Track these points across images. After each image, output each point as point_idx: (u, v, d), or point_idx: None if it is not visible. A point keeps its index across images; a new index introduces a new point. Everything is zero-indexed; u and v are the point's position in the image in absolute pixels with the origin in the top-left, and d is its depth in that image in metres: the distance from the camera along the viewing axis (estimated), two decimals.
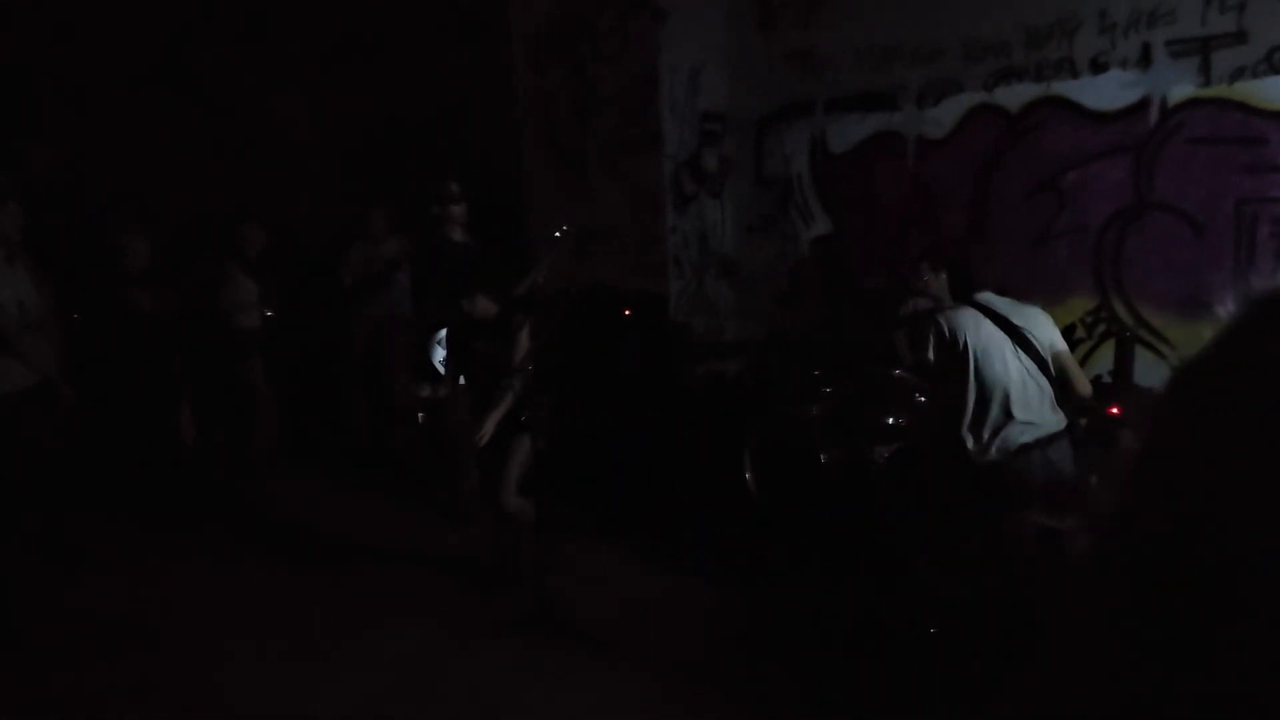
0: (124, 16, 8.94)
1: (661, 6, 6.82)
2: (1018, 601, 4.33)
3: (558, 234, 5.64)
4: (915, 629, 4.45)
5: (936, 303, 5.52)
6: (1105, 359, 5.53)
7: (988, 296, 4.50)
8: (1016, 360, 4.34)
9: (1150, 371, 5.37)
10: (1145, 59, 5.31)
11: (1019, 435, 4.31)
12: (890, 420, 5.39)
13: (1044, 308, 4.64)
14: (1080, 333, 5.70)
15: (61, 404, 5.32)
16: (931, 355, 4.46)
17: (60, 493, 5.42)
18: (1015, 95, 5.81)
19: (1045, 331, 4.44)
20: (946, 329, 4.41)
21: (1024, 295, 4.77)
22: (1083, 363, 5.67)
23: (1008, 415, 4.31)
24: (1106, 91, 5.46)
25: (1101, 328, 5.64)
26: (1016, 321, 4.38)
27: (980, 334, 4.35)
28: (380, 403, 7.30)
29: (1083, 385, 4.49)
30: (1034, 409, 4.34)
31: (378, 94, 8.77)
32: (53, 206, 7.24)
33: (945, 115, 6.13)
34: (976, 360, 4.33)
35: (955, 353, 4.35)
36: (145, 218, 6.84)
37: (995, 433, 4.33)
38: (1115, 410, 4.89)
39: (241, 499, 6.56)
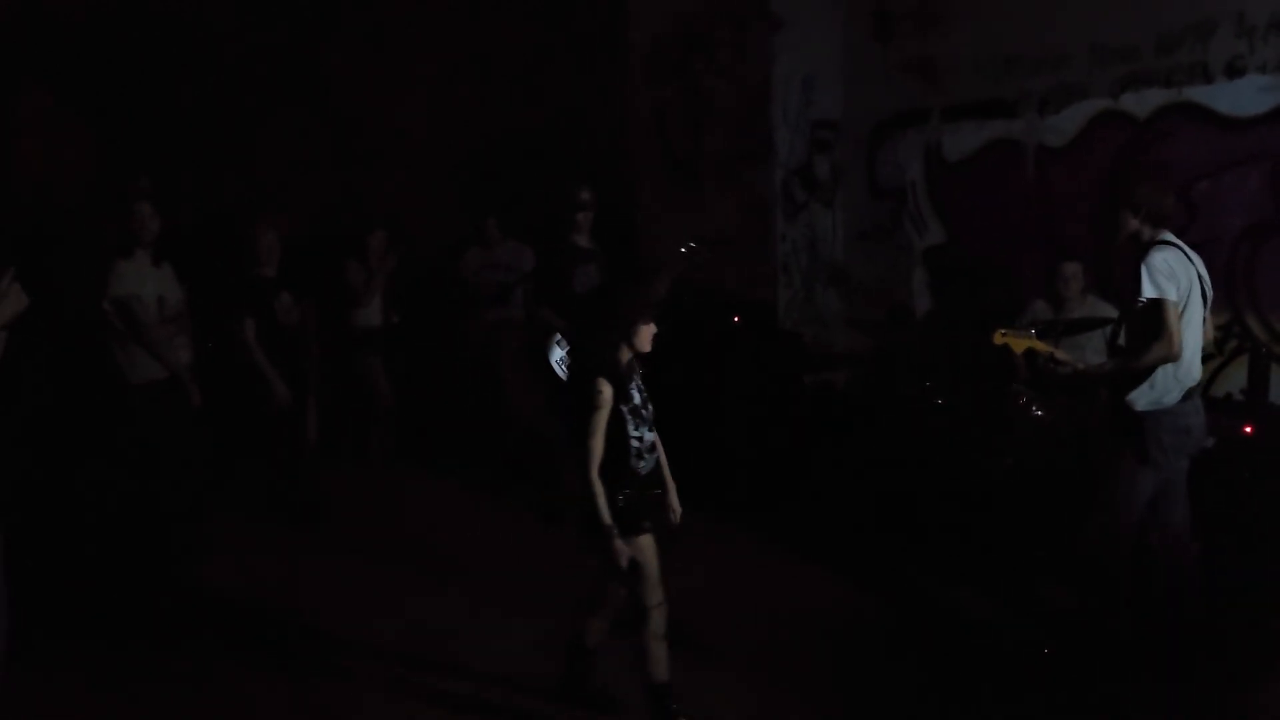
0: (257, 28, 9.39)
1: (778, 16, 6.83)
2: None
3: (684, 249, 5.67)
4: (1031, 647, 4.33)
5: (1060, 307, 5.38)
6: (1238, 376, 5.29)
7: (1170, 238, 4.10)
8: (1201, 307, 4.07)
9: None
10: None
11: (1188, 384, 4.05)
12: (1006, 435, 5.26)
13: None
14: (1211, 348, 5.46)
15: (189, 399, 5.57)
16: (1154, 293, 3.92)
17: (194, 481, 5.69)
18: (1143, 101, 5.61)
19: (1209, 282, 4.14)
20: (1172, 265, 3.94)
21: None
22: (1213, 380, 5.46)
23: (1190, 368, 4.03)
24: (1243, 97, 5.24)
25: (1234, 344, 5.40)
26: (1198, 267, 4.08)
27: (1191, 276, 4.00)
28: (492, 405, 7.43)
29: (1210, 334, 4.37)
30: (1198, 360, 4.11)
31: (495, 104, 8.98)
32: (189, 210, 7.63)
33: (1067, 123, 5.96)
34: (1189, 304, 3.98)
35: (1176, 294, 3.91)
36: (276, 221, 7.10)
37: (1170, 382, 4.01)
38: (1249, 430, 4.68)
39: (359, 496, 6.77)
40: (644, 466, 3.70)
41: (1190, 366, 4.04)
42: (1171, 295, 3.90)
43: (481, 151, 9.05)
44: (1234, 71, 5.27)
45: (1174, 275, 3.92)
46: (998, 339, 4.36)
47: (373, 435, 7.42)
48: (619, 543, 3.54)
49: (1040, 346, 4.29)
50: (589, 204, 6.04)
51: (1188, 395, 4.05)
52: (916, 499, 5.51)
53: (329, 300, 6.95)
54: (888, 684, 4.23)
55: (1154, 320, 3.94)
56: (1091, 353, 5.14)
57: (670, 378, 6.33)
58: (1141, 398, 4.03)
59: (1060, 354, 4.25)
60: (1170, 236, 4.06)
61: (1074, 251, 5.54)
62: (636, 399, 3.69)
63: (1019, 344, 4.33)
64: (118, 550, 5.60)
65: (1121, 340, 4.44)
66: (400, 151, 9.49)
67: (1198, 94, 5.40)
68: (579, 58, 8.44)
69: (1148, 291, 3.93)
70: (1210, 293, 4.13)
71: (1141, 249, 4.03)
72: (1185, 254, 4.02)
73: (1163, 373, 3.98)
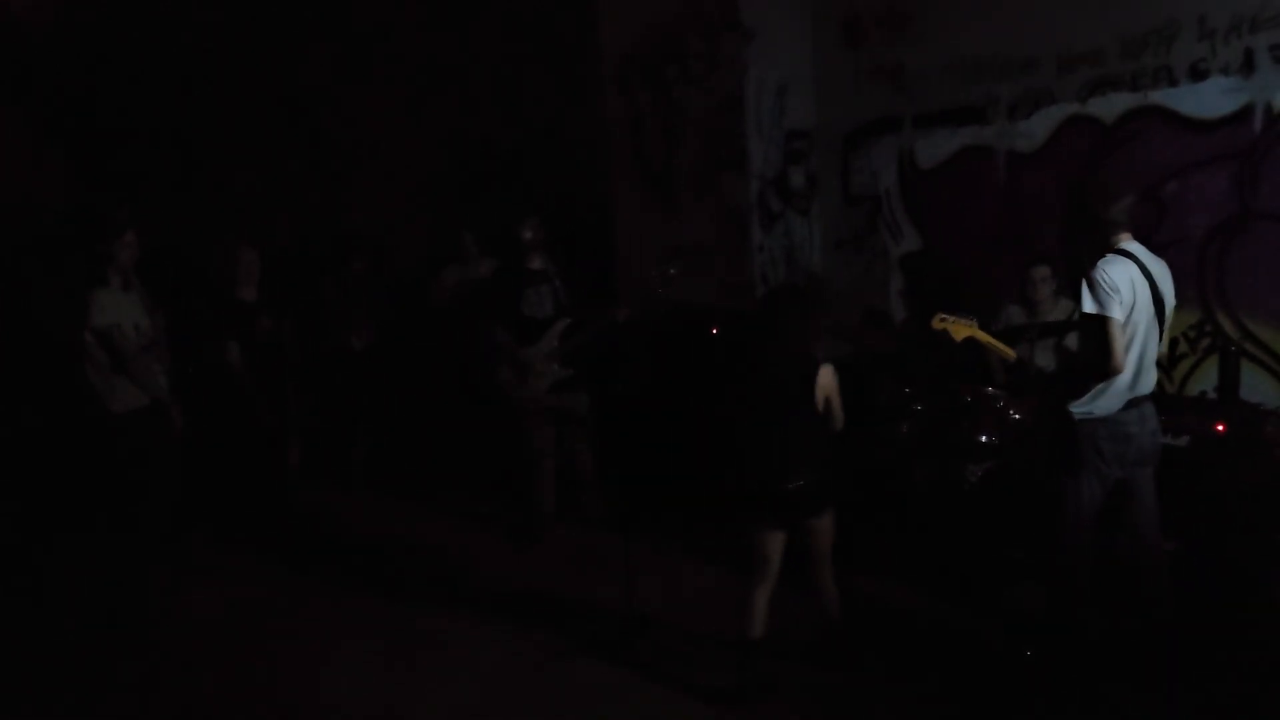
0: (231, 47, 9.38)
1: (749, 26, 6.87)
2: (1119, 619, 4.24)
3: (659, 275, 5.71)
4: (1009, 651, 4.36)
5: (1033, 310, 5.43)
6: (1209, 374, 5.35)
7: (1132, 245, 4.07)
8: (1153, 320, 4.05)
9: (1258, 387, 5.17)
10: (1248, 65, 5.15)
11: (1128, 393, 4.05)
12: (983, 439, 5.31)
13: None
14: (1183, 347, 5.53)
15: (171, 425, 5.56)
16: (1096, 309, 3.91)
17: (177, 505, 5.68)
18: (1110, 105, 5.68)
19: (1170, 289, 4.13)
20: (1115, 280, 3.91)
21: None
22: (1187, 378, 5.53)
23: (1135, 378, 4.03)
24: (1207, 99, 5.30)
25: (1206, 342, 5.46)
26: (1156, 276, 4.06)
27: (1139, 288, 3.98)
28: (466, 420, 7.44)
29: (1163, 345, 4.24)
30: (1149, 370, 4.09)
31: (470, 118, 9.00)
32: (168, 234, 7.60)
33: (1037, 127, 6.01)
34: (1132, 319, 3.97)
35: (1120, 310, 3.91)
36: (255, 242, 7.09)
37: (1107, 391, 4.02)
38: (1221, 428, 4.73)
39: (342, 515, 6.77)
40: None
41: (1138, 377, 4.05)
42: (1113, 312, 3.89)
43: (458, 166, 9.08)
44: (1198, 74, 5.34)
45: (1116, 290, 3.91)
46: (936, 324, 4.34)
47: (354, 454, 7.42)
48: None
49: (982, 336, 4.29)
50: (531, 243, 6.08)
51: (1131, 404, 4.05)
52: (896, 504, 5.54)
53: (308, 320, 6.95)
54: (870, 691, 4.26)
55: (1097, 335, 3.95)
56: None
57: (651, 391, 6.42)
58: (1078, 405, 4.06)
59: (1009, 353, 4.27)
60: (1129, 245, 4.06)
61: (1046, 255, 5.60)
62: None
63: (959, 330, 4.31)
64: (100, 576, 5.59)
65: (1070, 343, 4.45)
66: (376, 168, 9.50)
67: (1163, 97, 5.47)
68: (553, 71, 8.48)
69: (1086, 307, 3.94)
70: (1171, 302, 4.13)
71: (1096, 258, 4.04)
72: (1140, 265, 4.03)
73: (1105, 382, 4.00)
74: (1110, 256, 4.01)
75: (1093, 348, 3.99)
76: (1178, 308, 5.43)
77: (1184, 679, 4.03)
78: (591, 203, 7.91)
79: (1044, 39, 5.91)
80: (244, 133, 9.58)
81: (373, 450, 7.43)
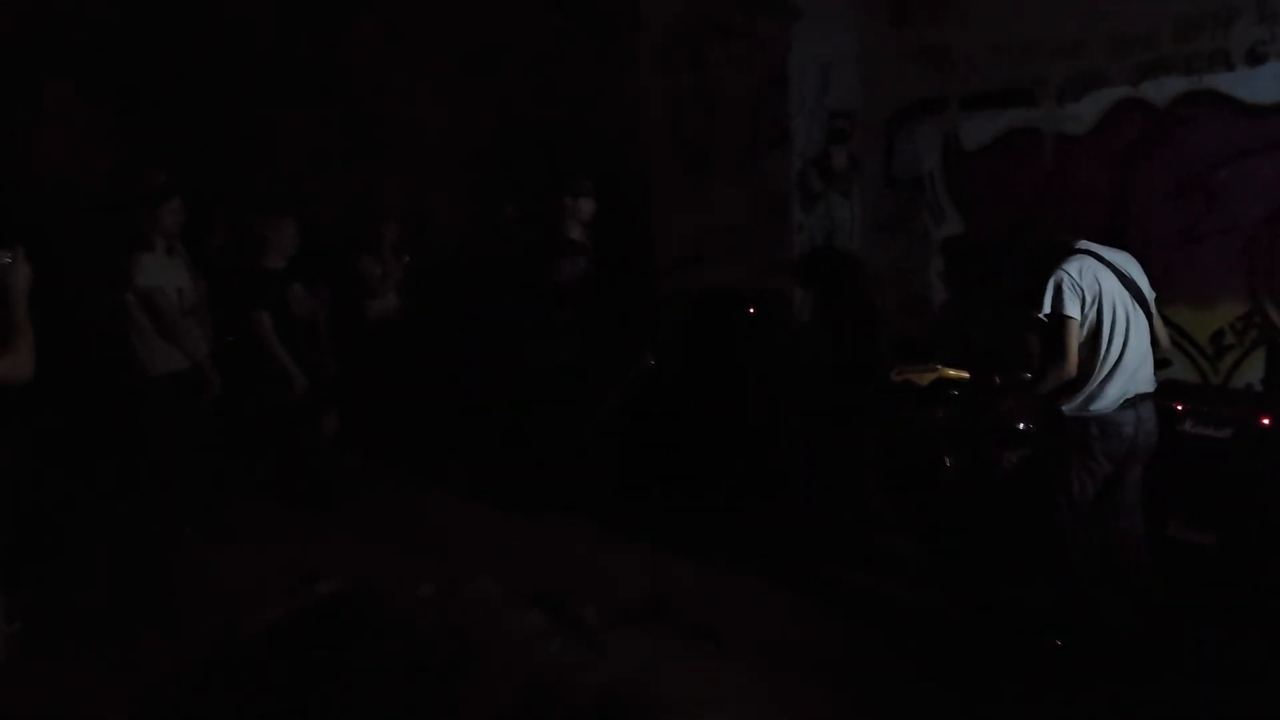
0: (276, 20, 9.43)
1: (795, 5, 6.78)
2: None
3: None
4: (1040, 640, 4.31)
5: None
6: (1256, 367, 5.24)
7: (1086, 244, 4.14)
8: (1135, 312, 4.07)
9: None
10: None
11: (1122, 391, 4.05)
12: (1019, 425, 5.23)
13: (1190, 312, 4.41)
14: (1230, 339, 5.41)
15: (210, 389, 5.63)
16: (1054, 310, 3.95)
17: (212, 471, 5.74)
18: (1163, 89, 5.55)
19: (1143, 279, 4.16)
20: (1077, 280, 3.98)
21: (1169, 300, 4.53)
22: (1233, 371, 5.42)
23: (1116, 371, 4.04)
24: (1264, 84, 5.17)
25: (1253, 334, 5.34)
26: (1124, 269, 4.10)
27: (1109, 283, 4.02)
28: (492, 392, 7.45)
29: (1164, 337, 4.29)
30: (1142, 366, 4.10)
31: (509, 95, 8.98)
32: (209, 202, 7.67)
33: (1086, 111, 5.89)
34: (1105, 314, 3.99)
35: (1087, 307, 3.97)
36: (294, 213, 7.12)
37: (1099, 389, 4.04)
38: (1266, 421, 4.63)
39: (374, 485, 6.83)
40: None
41: (1132, 376, 4.04)
42: (1072, 312, 3.91)
43: (496, 143, 9.07)
44: (1255, 59, 5.20)
45: (1077, 289, 3.93)
46: (896, 378, 4.49)
47: (387, 425, 7.46)
48: None
49: (948, 374, 4.35)
50: (588, 190, 6.04)
51: (1128, 404, 4.03)
52: (924, 493, 5.49)
53: (343, 291, 6.99)
54: (895, 677, 4.23)
55: (1055, 337, 3.95)
56: None
57: (687, 370, 6.39)
58: (1070, 405, 4.06)
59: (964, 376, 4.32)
60: (1085, 244, 4.10)
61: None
62: None
63: (923, 378, 4.45)
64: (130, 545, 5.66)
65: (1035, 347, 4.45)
66: (415, 144, 9.51)
67: (1218, 81, 5.34)
68: (593, 48, 8.43)
69: (1045, 307, 3.95)
70: (1150, 293, 4.14)
71: (1054, 258, 4.04)
72: (1103, 261, 4.03)
73: (1096, 380, 4.00)
74: (1073, 255, 4.04)
75: (1051, 354, 4.01)
76: (1224, 299, 5.41)
77: (1207, 672, 3.97)
78: (628, 181, 7.87)
79: (1095, 20, 5.79)
80: (286, 106, 9.63)
81: (404, 421, 7.47)
